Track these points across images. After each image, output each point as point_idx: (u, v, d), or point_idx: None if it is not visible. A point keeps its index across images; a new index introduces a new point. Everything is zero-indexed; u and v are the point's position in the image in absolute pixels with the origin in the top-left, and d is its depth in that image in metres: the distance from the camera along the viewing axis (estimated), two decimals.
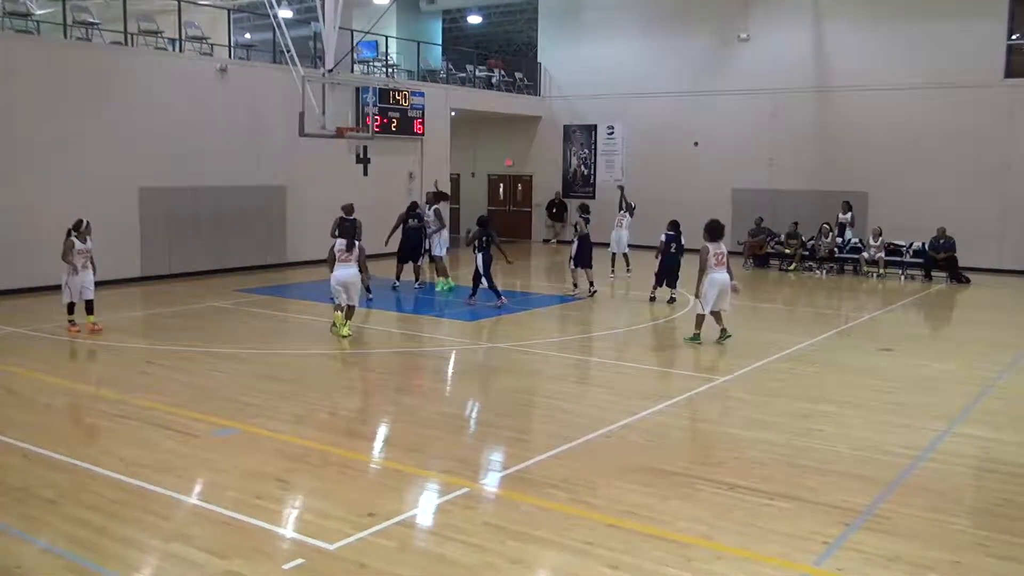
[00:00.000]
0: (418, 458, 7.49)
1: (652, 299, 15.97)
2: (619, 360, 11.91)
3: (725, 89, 25.00)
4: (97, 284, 12.70)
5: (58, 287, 15.08)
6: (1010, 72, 21.35)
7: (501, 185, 30.39)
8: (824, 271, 21.20)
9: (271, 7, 18.10)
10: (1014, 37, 21.57)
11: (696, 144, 25.69)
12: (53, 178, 16.17)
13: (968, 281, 19.73)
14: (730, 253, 12.56)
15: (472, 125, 28.39)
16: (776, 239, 22.37)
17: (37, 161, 16.00)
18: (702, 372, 11.07)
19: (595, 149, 28.01)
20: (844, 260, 21.43)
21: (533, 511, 6.28)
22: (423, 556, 5.60)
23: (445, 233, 17.39)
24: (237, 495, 6.46)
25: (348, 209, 15.78)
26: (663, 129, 26.12)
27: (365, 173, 19.07)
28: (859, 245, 21.33)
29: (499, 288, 15.34)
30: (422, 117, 23.32)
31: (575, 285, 17.02)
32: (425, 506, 6.52)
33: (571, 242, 17.50)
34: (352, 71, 22.45)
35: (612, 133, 27.58)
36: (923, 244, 20.51)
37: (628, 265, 19.43)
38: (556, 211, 28.24)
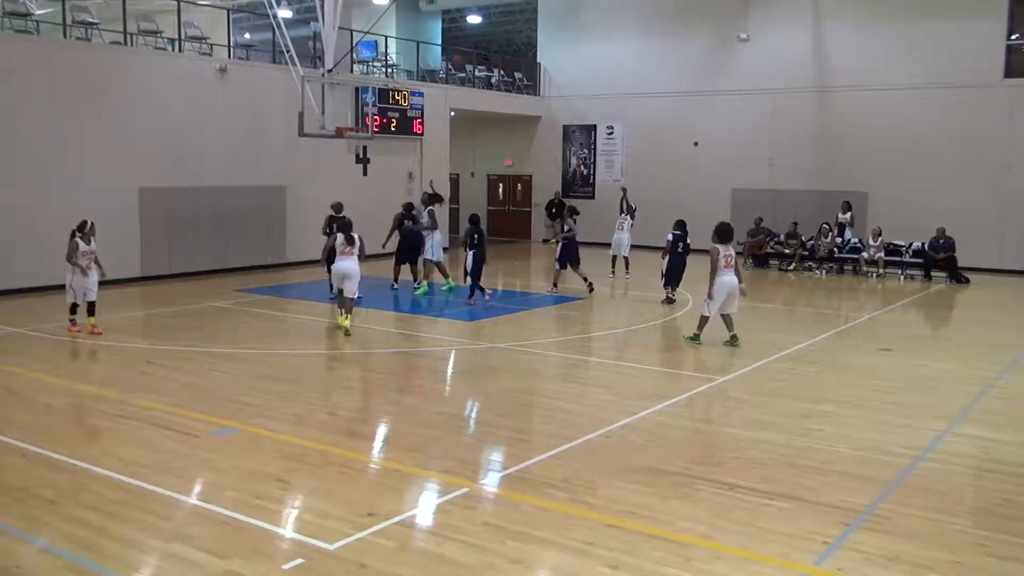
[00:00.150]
0: (418, 458, 7.49)
1: (671, 301, 15.65)
2: (619, 360, 11.91)
3: (725, 89, 25.01)
4: (98, 284, 12.66)
5: (59, 287, 15.06)
6: (1010, 72, 21.36)
7: (500, 185, 30.39)
8: (824, 271, 21.20)
9: (270, 7, 18.10)
10: (1014, 37, 21.57)
11: (696, 144, 25.71)
12: (53, 178, 16.17)
13: (968, 281, 19.74)
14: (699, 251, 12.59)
15: (471, 125, 28.39)
16: (776, 239, 22.38)
17: (37, 161, 16.00)
18: (702, 372, 11.07)
19: (595, 149, 28.02)
20: (844, 260, 21.43)
21: (533, 511, 6.28)
22: (423, 556, 5.60)
23: (438, 236, 17.03)
24: (237, 495, 6.46)
25: (338, 207, 15.83)
26: (663, 129, 26.13)
27: (365, 173, 19.08)
28: (859, 245, 21.34)
29: (485, 287, 15.40)
30: (421, 117, 23.32)
31: (555, 285, 17.18)
32: (425, 506, 6.52)
33: (574, 245, 17.56)
34: (351, 71, 22.45)
35: (612, 133, 27.59)
36: (923, 244, 20.52)
37: (628, 268, 19.41)
38: (556, 211, 28.20)
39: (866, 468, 7.27)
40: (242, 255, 19.53)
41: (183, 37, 19.40)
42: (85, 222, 12.42)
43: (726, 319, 12.13)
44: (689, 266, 15.68)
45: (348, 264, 12.84)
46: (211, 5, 23.19)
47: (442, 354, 12.38)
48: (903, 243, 20.90)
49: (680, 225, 15.58)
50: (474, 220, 15.73)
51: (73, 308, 12.39)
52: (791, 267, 21.62)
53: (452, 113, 25.40)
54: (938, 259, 20.07)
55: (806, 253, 21.77)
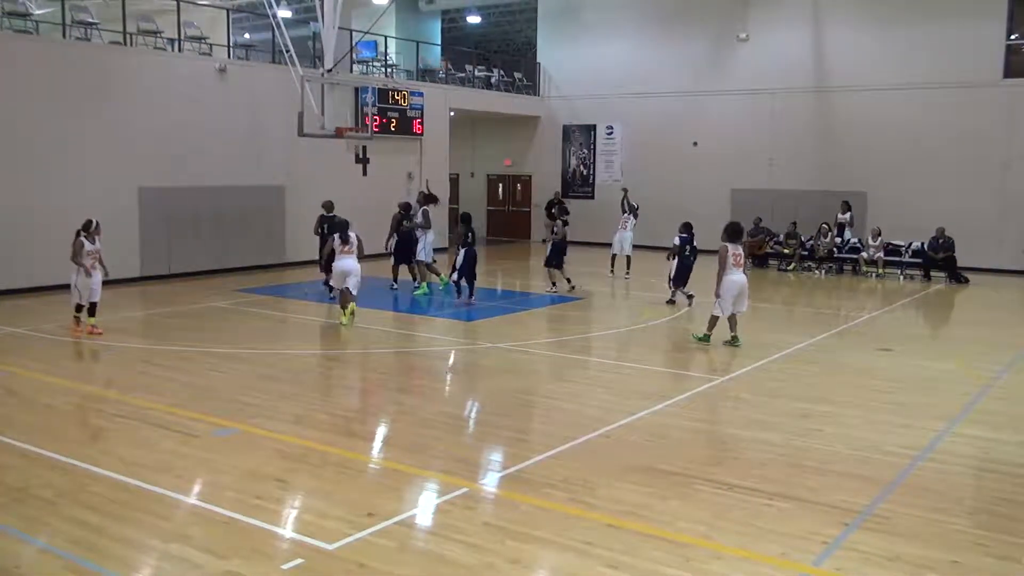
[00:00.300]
0: (417, 458, 7.49)
1: (689, 299, 15.38)
2: (619, 360, 11.91)
3: (724, 89, 25.02)
4: (101, 284, 12.62)
5: (59, 287, 15.06)
6: (1009, 72, 21.37)
7: (500, 185, 30.40)
8: (823, 271, 21.21)
9: (270, 7, 18.11)
10: (1013, 37, 21.58)
11: (695, 144, 25.72)
12: (52, 178, 16.17)
13: (967, 281, 19.74)
14: (705, 252, 12.56)
15: (471, 125, 28.40)
16: (775, 239, 22.39)
17: (36, 161, 16.00)
18: (702, 372, 11.07)
19: (594, 149, 28.02)
20: (843, 260, 21.44)
21: (532, 511, 6.28)
22: (422, 556, 5.60)
23: (431, 236, 16.90)
24: (236, 495, 6.46)
25: (328, 206, 15.87)
26: (662, 129, 26.13)
27: (364, 173, 19.09)
28: (858, 245, 21.35)
29: (462, 287, 15.43)
30: (421, 117, 23.32)
31: (553, 284, 17.22)
32: (424, 506, 6.52)
33: (563, 244, 17.59)
34: (351, 71, 22.46)
35: (611, 133, 27.59)
36: (922, 244, 20.53)
37: (628, 267, 19.41)
38: (556, 211, 28.20)
39: (865, 468, 7.27)
40: (242, 255, 19.53)
41: (183, 37, 19.40)
42: (90, 221, 12.35)
43: (731, 319, 12.08)
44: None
45: (348, 262, 13.27)
46: (211, 5, 23.19)
47: (442, 354, 12.38)
48: (902, 243, 20.91)
49: (686, 227, 15.47)
50: (466, 219, 15.73)
51: (79, 308, 12.35)
52: (790, 267, 21.63)
53: (452, 113, 25.40)
54: (937, 259, 20.07)
55: (805, 253, 21.78)
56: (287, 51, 17.77)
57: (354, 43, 21.52)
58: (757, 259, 22.15)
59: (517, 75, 28.47)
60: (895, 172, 22.47)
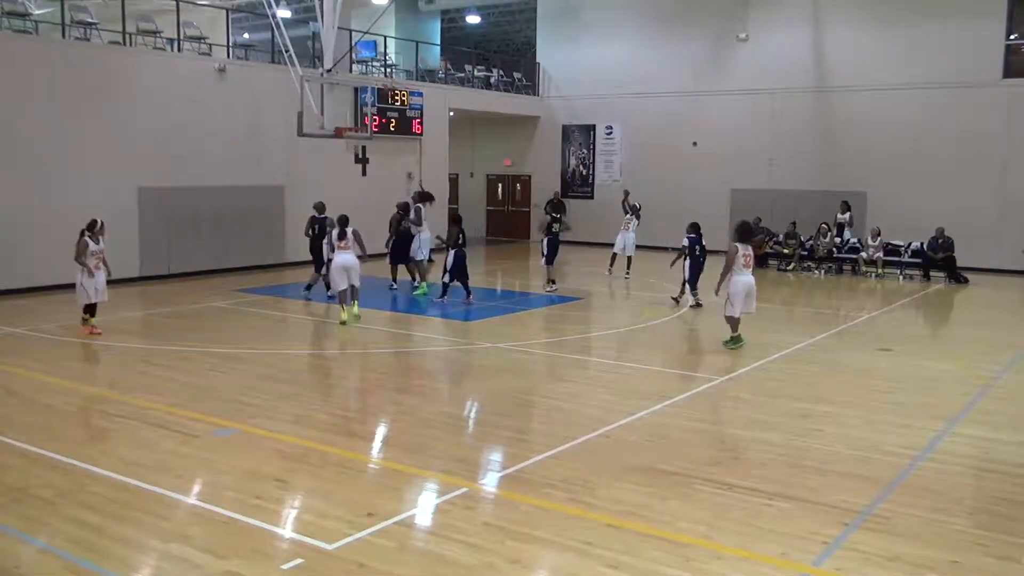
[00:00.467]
0: (417, 458, 7.49)
1: (698, 304, 15.36)
2: (619, 360, 11.91)
3: (724, 89, 25.02)
4: (105, 285, 12.59)
5: (58, 287, 15.08)
6: (1008, 72, 21.38)
7: (500, 185, 30.40)
8: (822, 271, 21.21)
9: (269, 7, 18.10)
10: (1012, 37, 21.59)
11: (695, 144, 25.72)
12: (52, 178, 16.17)
13: (967, 281, 19.74)
14: (713, 252, 12.52)
15: (471, 125, 28.39)
16: (775, 239, 22.39)
17: (36, 161, 16.00)
18: (701, 372, 11.07)
19: (594, 149, 28.02)
20: (842, 260, 21.44)
21: (532, 511, 6.28)
22: (422, 556, 5.60)
23: (425, 235, 16.81)
24: (236, 495, 6.46)
25: (320, 207, 15.89)
26: (662, 129, 26.13)
27: (364, 173, 19.08)
28: (857, 245, 21.35)
29: (449, 287, 15.45)
30: (420, 117, 23.31)
31: (552, 281, 17.33)
32: (424, 506, 6.52)
33: (557, 242, 17.71)
34: (351, 71, 22.46)
35: (611, 133, 27.59)
36: (922, 244, 20.53)
37: (628, 268, 19.41)
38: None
39: (865, 468, 7.27)
40: (241, 255, 19.53)
41: (182, 37, 19.40)
42: (95, 221, 12.30)
43: (736, 319, 12.00)
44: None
45: (347, 257, 13.55)
46: (210, 5, 23.18)
47: (441, 354, 12.38)
48: (902, 243, 20.91)
49: (694, 227, 15.42)
50: (456, 220, 15.72)
51: (87, 309, 12.26)
52: (790, 267, 21.63)
53: (451, 113, 25.40)
54: (937, 259, 20.07)
55: (805, 253, 21.78)
56: (287, 51, 17.77)
57: (353, 43, 21.51)
58: (757, 259, 22.09)
59: (516, 75, 28.47)
60: (895, 172, 22.48)
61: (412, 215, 16.65)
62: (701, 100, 25.49)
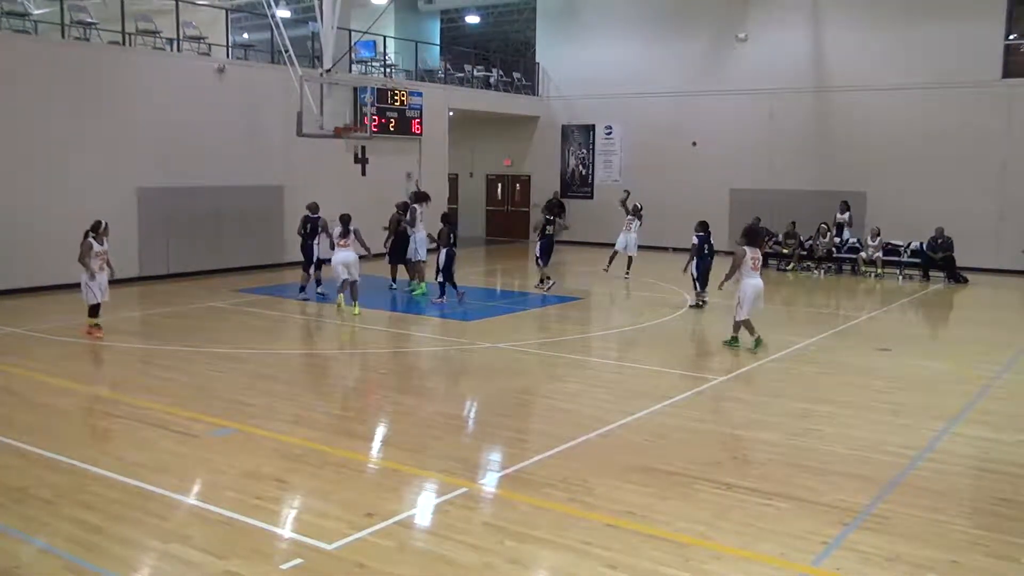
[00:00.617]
0: (417, 458, 7.49)
1: (701, 304, 15.27)
2: (618, 360, 11.92)
3: (723, 89, 25.02)
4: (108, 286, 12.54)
5: (58, 287, 15.09)
6: (1008, 72, 21.38)
7: (499, 185, 30.40)
8: (822, 271, 21.21)
9: (269, 7, 18.11)
10: (1012, 37, 21.59)
11: (694, 144, 25.72)
12: (51, 178, 16.16)
13: (966, 281, 19.75)
14: (727, 253, 12.51)
15: (470, 125, 28.39)
16: (774, 239, 22.38)
17: (35, 161, 15.99)
18: (701, 372, 11.07)
19: (593, 149, 28.02)
20: (842, 260, 21.44)
21: (531, 511, 6.28)
22: (422, 556, 5.60)
23: (421, 235, 16.67)
24: (235, 495, 6.46)
25: (313, 207, 15.93)
26: (661, 129, 26.13)
27: (363, 173, 19.08)
28: (857, 245, 21.35)
29: (457, 285, 15.53)
30: (420, 117, 23.30)
31: (548, 278, 17.45)
32: (424, 506, 6.51)
33: (551, 243, 17.75)
34: (350, 71, 22.45)
35: (610, 133, 27.59)
36: (921, 244, 20.53)
37: (628, 268, 19.41)
38: (556, 211, 28.23)
39: (865, 468, 7.27)
40: (240, 255, 19.52)
41: (181, 37, 19.40)
42: (99, 222, 12.22)
43: (746, 323, 11.92)
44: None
45: (347, 254, 14.16)
46: (209, 5, 23.17)
47: (440, 354, 12.38)
48: (901, 243, 20.91)
49: (703, 226, 15.36)
50: (448, 219, 15.72)
51: (95, 310, 12.16)
52: (789, 267, 21.63)
53: (451, 113, 25.40)
54: (936, 259, 20.08)
55: (804, 253, 21.77)
56: (286, 51, 17.77)
57: (353, 43, 21.51)
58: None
59: (516, 75, 28.47)
60: (894, 172, 22.48)
61: (408, 216, 16.62)
62: (700, 100, 25.49)
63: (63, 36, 17.65)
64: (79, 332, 12.30)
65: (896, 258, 20.84)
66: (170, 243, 18.29)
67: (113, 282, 14.74)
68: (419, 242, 16.62)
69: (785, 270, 21.57)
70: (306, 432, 8.14)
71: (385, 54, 25.21)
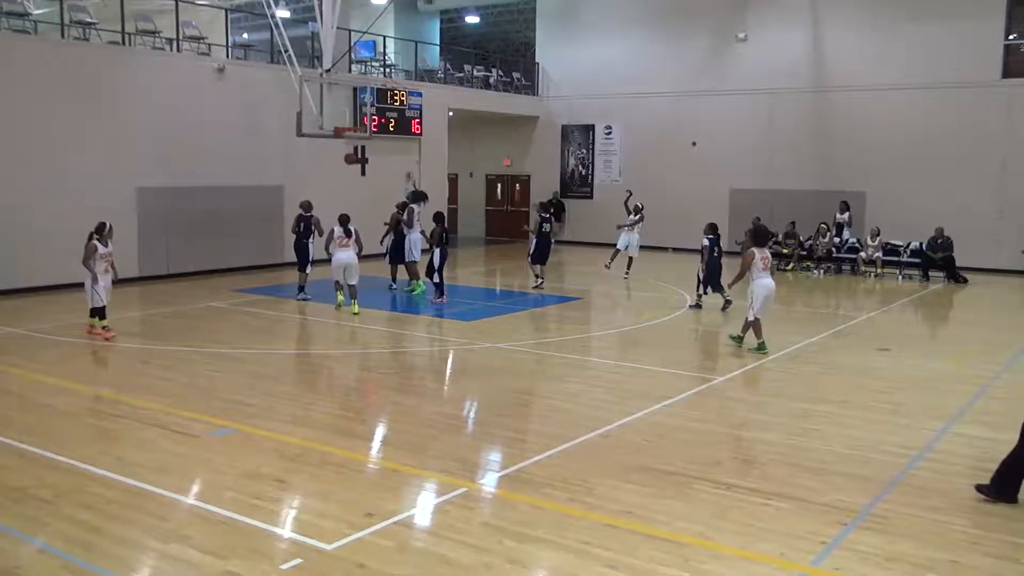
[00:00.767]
0: (416, 458, 7.49)
1: (698, 306, 15.28)
2: (618, 360, 11.91)
3: (723, 89, 25.02)
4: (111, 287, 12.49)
5: (58, 287, 15.08)
6: (1007, 72, 21.38)
7: (499, 185, 30.40)
8: (821, 271, 21.22)
9: (269, 7, 18.09)
10: (1011, 37, 21.59)
11: (694, 144, 25.72)
12: (50, 178, 16.15)
13: (966, 281, 19.75)
14: (727, 253, 12.51)
15: (470, 125, 28.39)
16: (774, 239, 22.36)
17: (34, 161, 15.98)
18: (701, 372, 11.07)
19: (593, 149, 28.02)
20: (841, 260, 21.45)
21: (531, 511, 6.28)
22: (421, 556, 5.60)
23: (415, 235, 16.63)
24: (235, 495, 6.46)
25: (306, 206, 15.95)
26: (661, 129, 26.13)
27: (363, 173, 19.05)
28: (856, 245, 21.36)
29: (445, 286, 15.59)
30: (420, 117, 23.29)
31: (537, 276, 17.60)
32: (423, 506, 6.51)
33: (547, 242, 17.79)
34: (350, 71, 22.45)
35: (610, 133, 27.59)
36: (921, 244, 20.53)
37: (628, 268, 19.42)
38: (554, 211, 28.21)
39: (864, 468, 7.27)
40: (240, 255, 19.52)
41: (181, 37, 19.40)
42: (103, 224, 12.18)
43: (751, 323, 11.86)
44: (690, 269, 15.59)
45: (347, 255, 14.35)
46: (209, 5, 23.18)
47: (440, 354, 12.38)
48: (901, 243, 20.92)
49: (712, 228, 15.36)
50: (440, 219, 15.72)
51: (102, 312, 12.09)
52: (789, 267, 21.63)
53: (450, 113, 25.40)
54: (936, 259, 20.08)
55: (804, 253, 21.78)
56: (286, 51, 17.76)
57: (353, 43, 21.50)
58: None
59: (516, 75, 28.47)
60: (894, 172, 22.48)
61: (405, 216, 16.61)
62: (700, 100, 25.49)
63: (63, 36, 17.65)
64: (83, 332, 12.29)
65: (896, 258, 20.85)
66: (170, 243, 18.29)
67: (113, 282, 14.77)
68: (413, 242, 16.60)
69: (785, 270, 21.56)
70: (306, 432, 8.14)
71: (385, 54, 25.20)
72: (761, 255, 11.79)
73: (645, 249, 20.95)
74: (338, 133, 17.77)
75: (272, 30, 19.09)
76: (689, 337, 13.65)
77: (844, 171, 23.20)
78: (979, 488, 6.61)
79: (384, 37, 25.19)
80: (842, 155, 23.32)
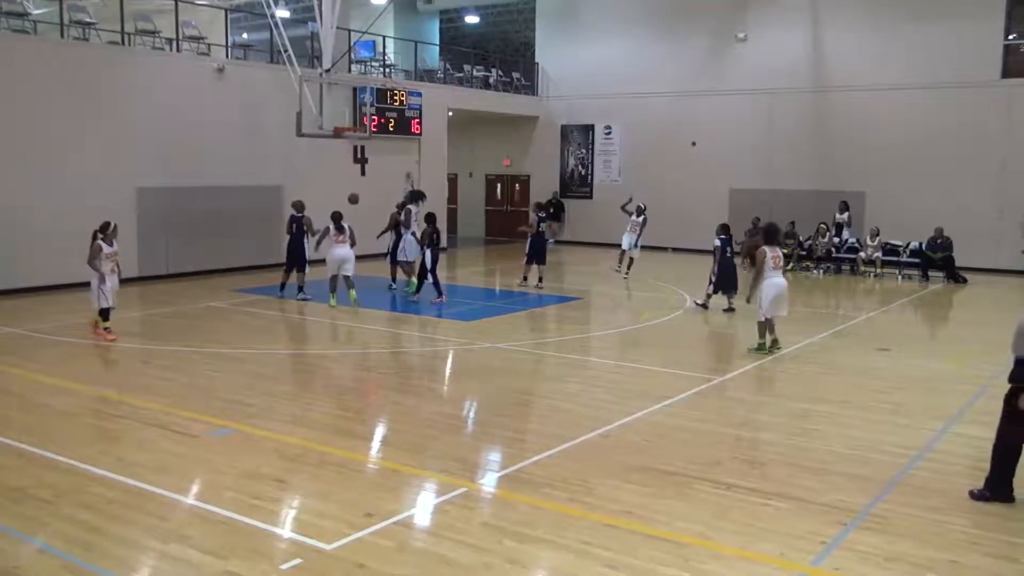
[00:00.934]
0: (416, 458, 7.48)
1: (705, 306, 15.20)
2: (618, 360, 11.91)
3: (723, 89, 25.02)
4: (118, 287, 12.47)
5: (57, 287, 15.07)
6: (1007, 72, 21.39)
7: (499, 185, 30.40)
8: (821, 271, 21.22)
9: (268, 7, 18.09)
10: (1011, 37, 21.59)
11: (694, 144, 25.72)
12: (50, 178, 16.15)
13: (965, 281, 19.75)
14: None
15: (469, 125, 28.39)
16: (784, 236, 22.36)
17: (34, 161, 15.98)
18: (701, 372, 11.06)
19: (593, 149, 28.02)
20: (841, 260, 21.45)
21: (531, 511, 6.28)
22: (421, 556, 5.60)
23: (410, 236, 16.53)
24: (235, 495, 6.46)
25: (299, 206, 15.97)
26: (661, 129, 26.13)
27: (363, 173, 19.05)
28: (856, 245, 21.36)
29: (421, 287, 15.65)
30: (419, 117, 23.29)
31: (524, 278, 17.72)
32: (423, 506, 6.51)
33: (541, 242, 17.80)
34: (349, 71, 22.44)
35: (609, 133, 27.59)
36: (920, 244, 20.53)
37: (629, 268, 19.42)
38: (553, 211, 28.22)
39: (864, 468, 7.27)
40: (240, 255, 19.51)
41: (181, 37, 19.39)
42: (108, 223, 12.11)
43: (770, 323, 11.81)
44: (690, 269, 15.58)
45: (343, 251, 14.65)
46: (209, 5, 23.17)
47: (440, 354, 12.38)
48: (900, 243, 20.92)
49: (724, 229, 15.28)
50: (431, 219, 15.72)
51: (106, 313, 12.03)
52: (788, 267, 21.55)
53: (450, 113, 25.39)
54: (936, 259, 20.08)
55: (804, 253, 21.79)
56: (285, 51, 17.76)
57: (352, 43, 21.50)
58: (755, 260, 22.10)
59: (515, 75, 28.46)
60: (893, 172, 22.49)
61: (403, 216, 16.61)
62: (700, 100, 25.49)
63: (62, 36, 17.64)
64: (83, 332, 12.27)
65: (895, 258, 20.86)
66: (169, 243, 18.28)
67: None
68: (407, 242, 16.60)
69: (784, 270, 21.50)
70: (305, 432, 8.14)
71: (384, 54, 25.19)
72: (772, 254, 11.78)
73: (645, 249, 20.95)
74: (338, 133, 17.77)
75: (272, 30, 19.09)
76: (689, 337, 13.65)
77: (844, 171, 23.20)
78: (973, 494, 6.60)
79: (384, 37, 25.18)
80: (842, 155, 23.32)
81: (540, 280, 17.62)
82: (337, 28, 17.89)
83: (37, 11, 18.33)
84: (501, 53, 29.80)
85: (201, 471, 7.10)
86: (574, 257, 24.50)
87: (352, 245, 14.81)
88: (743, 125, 24.83)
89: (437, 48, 29.73)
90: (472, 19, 31.12)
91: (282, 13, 22.64)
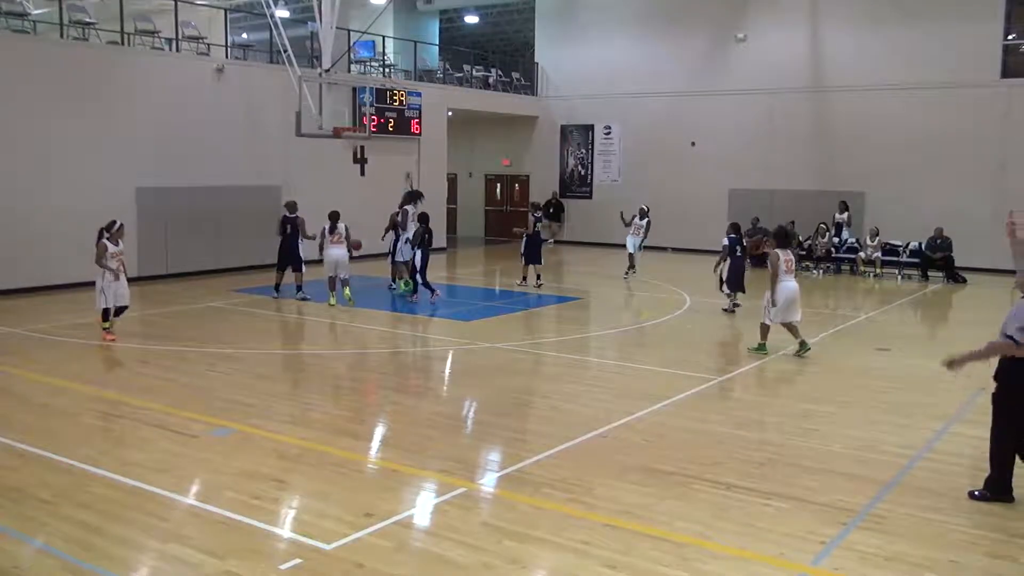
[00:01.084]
0: (415, 458, 7.48)
1: (732, 309, 14.98)
2: (618, 360, 11.91)
3: (722, 89, 25.03)
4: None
5: (57, 287, 15.05)
6: (1006, 72, 21.39)
7: (498, 185, 30.40)
8: (821, 271, 21.22)
9: (268, 7, 18.10)
10: (1010, 37, 21.59)
11: (693, 144, 25.72)
12: (50, 178, 16.14)
13: (965, 281, 19.76)
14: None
15: (469, 125, 28.39)
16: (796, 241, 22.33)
17: (33, 161, 15.97)
18: (700, 372, 11.05)
19: (592, 149, 28.02)
20: (841, 260, 21.45)
21: (530, 511, 6.28)
22: (420, 556, 5.60)
23: (408, 235, 16.38)
24: (234, 495, 6.46)
25: (291, 207, 15.99)
26: (660, 129, 26.14)
27: (363, 173, 19.05)
28: (856, 245, 21.36)
29: (432, 284, 15.70)
30: (419, 117, 23.29)
31: (524, 278, 17.78)
32: (422, 506, 6.51)
33: (536, 241, 17.83)
34: (349, 71, 22.44)
35: (609, 133, 27.59)
36: (920, 244, 20.54)
37: (630, 268, 19.40)
38: (553, 211, 28.25)
39: (863, 468, 7.27)
40: (239, 255, 19.51)
41: (180, 37, 19.38)
42: (114, 222, 12.07)
43: (790, 328, 11.70)
44: (689, 269, 15.58)
45: (337, 251, 14.76)
46: (208, 5, 23.16)
47: (439, 354, 12.38)
48: (900, 243, 20.93)
49: (734, 228, 15.26)
50: (424, 219, 15.71)
51: (105, 314, 11.98)
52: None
53: (449, 113, 25.39)
54: (935, 259, 20.09)
55: (803, 253, 21.76)
56: (285, 51, 17.76)
57: (352, 43, 21.49)
58: (755, 259, 22.10)
59: (515, 75, 28.46)
60: (893, 172, 22.49)
61: (400, 217, 16.59)
62: (699, 100, 25.50)
63: (62, 36, 17.63)
64: (83, 332, 12.24)
65: (895, 258, 20.86)
66: (169, 243, 18.28)
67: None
68: (402, 242, 16.58)
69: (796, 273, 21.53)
70: (305, 432, 8.14)
71: (384, 54, 25.19)
72: (785, 257, 11.72)
73: (644, 249, 20.96)
74: (337, 133, 17.78)
75: (271, 30, 19.09)
76: (689, 337, 13.64)
77: (843, 171, 23.21)
78: (973, 495, 6.59)
79: (383, 37, 25.17)
80: (841, 155, 23.32)
81: (539, 279, 17.63)
82: (337, 28, 17.89)
83: (37, 11, 18.33)
84: (501, 53, 29.83)
85: (200, 471, 7.10)
86: (574, 257, 24.50)
87: (357, 247, 14.69)
88: (743, 125, 24.83)
89: (437, 48, 29.73)
90: (472, 19, 31.15)
91: (282, 13, 22.64)
